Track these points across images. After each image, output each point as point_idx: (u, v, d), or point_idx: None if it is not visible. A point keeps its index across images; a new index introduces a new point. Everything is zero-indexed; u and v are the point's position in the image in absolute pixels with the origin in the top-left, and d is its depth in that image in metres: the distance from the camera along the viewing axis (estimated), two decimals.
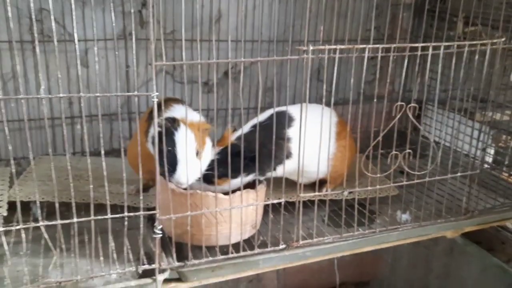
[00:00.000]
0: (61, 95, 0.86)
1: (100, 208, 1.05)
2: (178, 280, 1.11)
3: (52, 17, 0.89)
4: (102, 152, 0.94)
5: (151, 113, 1.15)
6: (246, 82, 1.79)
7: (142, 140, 1.18)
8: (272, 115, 1.29)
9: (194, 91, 1.72)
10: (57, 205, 0.95)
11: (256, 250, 1.14)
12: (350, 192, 1.39)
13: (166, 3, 1.58)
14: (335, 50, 1.03)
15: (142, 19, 1.65)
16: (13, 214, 1.14)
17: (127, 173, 1.02)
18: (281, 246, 1.17)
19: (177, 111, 1.21)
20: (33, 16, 0.91)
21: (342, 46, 1.03)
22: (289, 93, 1.85)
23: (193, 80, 1.74)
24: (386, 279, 2.33)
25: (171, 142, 1.10)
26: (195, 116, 1.18)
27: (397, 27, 1.84)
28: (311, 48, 1.00)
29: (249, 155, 1.14)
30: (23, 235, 0.96)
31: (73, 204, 0.96)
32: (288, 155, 1.27)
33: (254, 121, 1.31)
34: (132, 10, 1.20)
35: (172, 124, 1.12)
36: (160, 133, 1.02)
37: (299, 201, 1.15)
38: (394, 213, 1.35)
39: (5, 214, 1.18)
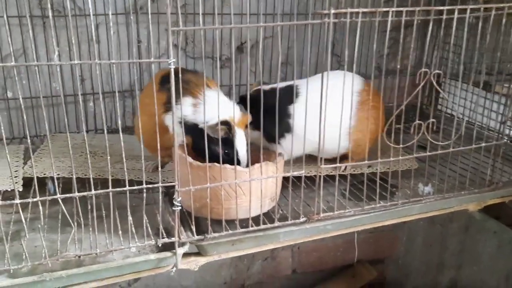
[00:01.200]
0: (75, 62, 0.83)
1: (117, 184, 1.03)
2: (198, 254, 1.09)
3: None
4: (119, 122, 0.92)
5: (163, 81, 1.12)
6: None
7: (159, 112, 1.15)
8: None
9: (206, 66, 1.68)
10: (74, 177, 0.93)
11: (277, 223, 1.11)
12: (369, 166, 1.36)
13: None
14: (357, 13, 0.99)
15: None
16: (28, 191, 1.13)
17: (141, 150, 1.01)
18: (302, 219, 1.14)
19: (221, 104, 1.05)
20: None
21: (365, 10, 0.99)
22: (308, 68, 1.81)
23: (206, 55, 1.70)
24: (401, 257, 2.31)
25: (230, 148, 1.13)
26: (236, 110, 1.15)
27: None
28: (332, 11, 0.96)
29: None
30: (41, 208, 0.94)
31: (90, 175, 0.94)
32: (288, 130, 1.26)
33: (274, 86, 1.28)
34: None
35: (231, 130, 1.13)
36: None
37: (319, 173, 1.12)
38: (416, 186, 1.32)
39: (20, 189, 1.17)
